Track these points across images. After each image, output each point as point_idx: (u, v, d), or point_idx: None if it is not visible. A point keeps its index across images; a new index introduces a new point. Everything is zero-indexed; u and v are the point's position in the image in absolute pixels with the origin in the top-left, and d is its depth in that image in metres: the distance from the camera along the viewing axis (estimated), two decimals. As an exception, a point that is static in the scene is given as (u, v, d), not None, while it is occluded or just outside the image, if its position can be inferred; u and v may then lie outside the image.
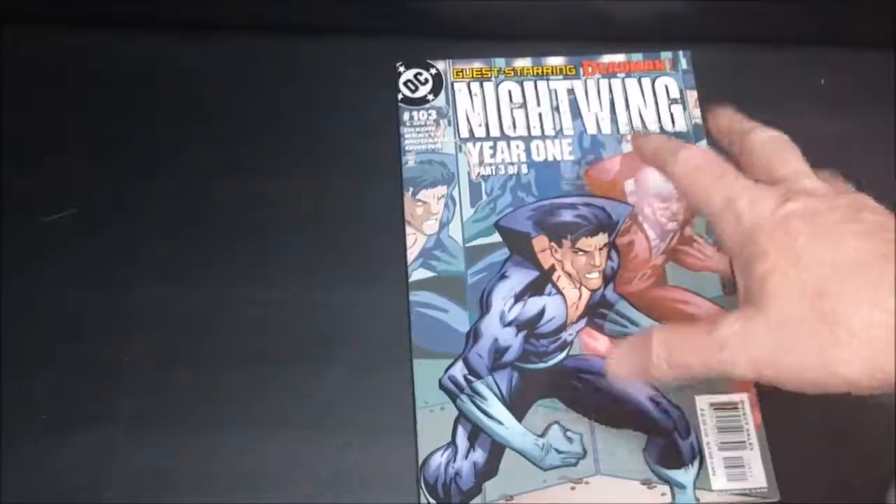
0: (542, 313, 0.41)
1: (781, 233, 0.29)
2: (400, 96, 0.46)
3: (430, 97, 0.46)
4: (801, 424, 0.39)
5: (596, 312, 0.41)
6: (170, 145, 0.45)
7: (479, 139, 0.45)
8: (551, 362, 0.40)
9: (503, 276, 0.42)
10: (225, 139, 0.45)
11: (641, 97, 0.47)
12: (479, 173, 0.44)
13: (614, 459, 0.38)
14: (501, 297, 0.42)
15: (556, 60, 0.47)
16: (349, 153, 0.46)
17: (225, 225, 0.44)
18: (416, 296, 0.41)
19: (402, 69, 0.47)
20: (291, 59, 0.48)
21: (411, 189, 0.44)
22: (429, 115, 0.46)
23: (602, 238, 0.43)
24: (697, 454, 0.39)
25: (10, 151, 0.44)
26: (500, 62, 0.47)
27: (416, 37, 0.48)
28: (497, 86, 0.47)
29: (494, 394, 0.39)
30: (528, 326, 0.41)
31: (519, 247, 0.43)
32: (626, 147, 0.45)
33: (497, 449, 0.38)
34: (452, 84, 0.47)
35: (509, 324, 0.41)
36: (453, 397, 0.39)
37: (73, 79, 0.47)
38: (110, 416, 0.39)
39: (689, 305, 0.42)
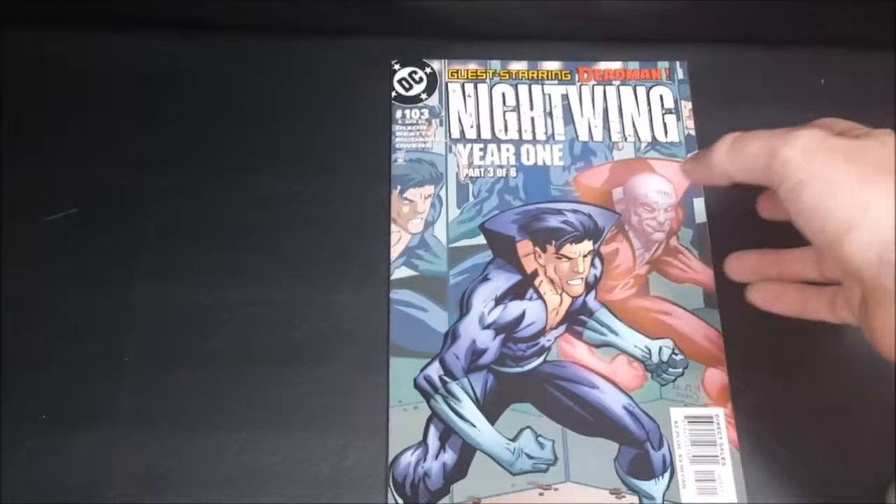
0: (521, 317, 0.41)
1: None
2: (393, 94, 0.46)
3: (424, 96, 0.46)
4: (776, 441, 0.39)
5: (576, 319, 0.41)
6: (169, 145, 0.45)
7: (470, 140, 0.45)
8: (528, 367, 0.40)
9: (485, 279, 0.42)
10: (224, 138, 0.45)
11: (635, 106, 0.46)
12: (467, 174, 0.44)
13: (585, 467, 0.38)
14: (482, 299, 0.42)
15: (552, 65, 0.47)
16: (343, 151, 0.46)
17: (225, 224, 0.44)
18: (396, 294, 0.42)
19: (397, 67, 0.47)
20: (291, 59, 0.48)
21: (399, 187, 0.44)
22: (421, 114, 0.46)
23: (587, 245, 0.43)
24: (669, 466, 0.38)
25: (10, 151, 0.45)
26: (495, 64, 0.47)
27: (413, 36, 0.48)
28: (491, 88, 0.47)
29: (469, 395, 0.39)
30: (507, 330, 0.41)
31: (503, 250, 0.43)
32: (617, 155, 0.45)
33: (468, 451, 0.38)
34: (447, 84, 0.47)
35: (488, 326, 0.41)
36: (427, 397, 0.39)
37: (73, 79, 0.47)
38: (110, 416, 0.39)
39: (670, 317, 0.41)
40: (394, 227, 0.43)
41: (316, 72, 0.47)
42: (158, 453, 0.39)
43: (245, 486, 0.38)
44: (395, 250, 0.43)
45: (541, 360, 0.40)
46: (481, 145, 0.45)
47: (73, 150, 0.45)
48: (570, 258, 0.42)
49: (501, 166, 0.45)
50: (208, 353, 0.41)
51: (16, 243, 0.43)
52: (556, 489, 0.38)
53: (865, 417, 0.40)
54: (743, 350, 0.41)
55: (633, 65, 0.47)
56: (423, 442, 0.39)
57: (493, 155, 0.45)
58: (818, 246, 0.30)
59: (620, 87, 0.47)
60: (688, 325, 0.41)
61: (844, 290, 0.34)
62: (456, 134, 0.45)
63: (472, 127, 0.46)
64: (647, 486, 0.38)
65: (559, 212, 0.44)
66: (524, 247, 0.43)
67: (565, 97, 0.47)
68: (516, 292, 0.42)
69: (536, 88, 0.47)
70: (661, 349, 0.41)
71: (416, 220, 0.43)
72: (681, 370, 0.40)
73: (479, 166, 0.45)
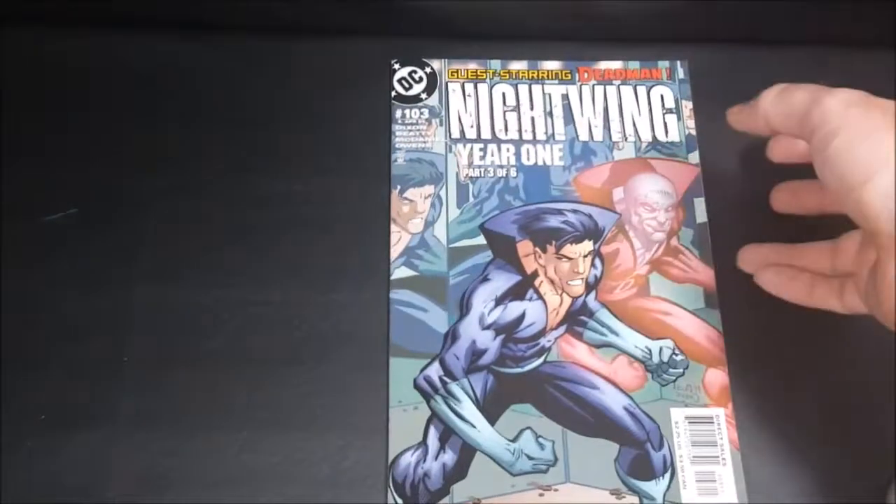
0: (521, 318, 0.41)
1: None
2: (393, 93, 0.46)
3: (424, 96, 0.46)
4: (776, 441, 0.39)
5: (576, 320, 0.41)
6: (169, 145, 0.45)
7: (470, 140, 0.45)
8: (528, 367, 0.40)
9: (485, 279, 0.42)
10: (224, 138, 0.45)
11: (636, 105, 0.46)
12: (467, 174, 0.44)
13: (585, 468, 0.38)
14: (482, 299, 0.41)
15: (552, 65, 0.47)
16: (342, 151, 0.45)
17: (225, 224, 0.44)
18: (396, 294, 0.41)
19: (397, 66, 0.47)
20: (291, 59, 0.48)
21: (399, 187, 0.44)
22: (421, 113, 0.46)
23: (587, 245, 0.43)
24: (669, 466, 0.38)
25: (10, 151, 0.44)
26: (495, 64, 0.47)
27: (413, 36, 0.48)
28: (491, 87, 0.47)
29: (469, 396, 0.39)
30: (507, 330, 0.41)
31: (503, 250, 0.43)
32: (617, 154, 0.45)
33: (468, 451, 0.38)
34: (447, 84, 0.47)
35: (488, 327, 0.41)
36: (427, 398, 0.39)
37: (73, 79, 0.47)
38: (110, 416, 0.39)
39: (671, 317, 0.41)
40: (394, 227, 0.43)
41: (316, 72, 0.47)
42: (158, 453, 0.39)
43: (245, 486, 0.38)
44: (395, 250, 0.43)
45: (541, 360, 0.40)
46: (481, 145, 0.45)
47: (73, 150, 0.45)
48: (570, 258, 0.42)
49: (501, 166, 0.45)
50: (208, 353, 0.41)
51: (16, 243, 0.42)
52: (556, 490, 0.38)
53: (865, 417, 0.40)
54: (743, 350, 0.41)
55: (634, 64, 0.47)
56: (423, 442, 0.39)
57: (493, 155, 0.45)
58: (838, 196, 0.31)
59: (621, 87, 0.47)
60: (688, 325, 0.41)
61: (859, 261, 0.35)
62: (456, 134, 0.45)
63: (472, 127, 0.46)
64: (648, 486, 0.38)
65: (559, 212, 0.43)
66: (524, 247, 0.43)
67: (565, 97, 0.47)
68: (516, 293, 0.42)
69: (536, 88, 0.47)
70: (661, 349, 0.41)
71: (416, 220, 0.43)
72: (681, 370, 0.40)
73: (479, 166, 0.45)
